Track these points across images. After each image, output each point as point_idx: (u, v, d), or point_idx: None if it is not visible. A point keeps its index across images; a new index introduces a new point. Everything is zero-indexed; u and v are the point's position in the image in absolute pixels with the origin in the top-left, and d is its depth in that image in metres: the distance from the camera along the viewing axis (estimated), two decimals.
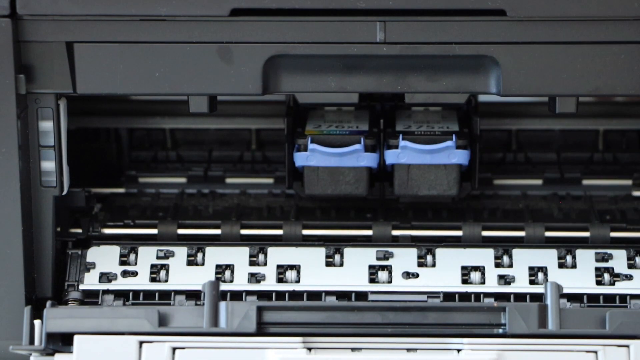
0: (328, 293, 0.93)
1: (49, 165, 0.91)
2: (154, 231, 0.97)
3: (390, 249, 0.96)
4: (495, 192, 1.02)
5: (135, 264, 0.95)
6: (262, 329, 0.86)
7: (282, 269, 0.95)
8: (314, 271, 0.94)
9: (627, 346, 0.84)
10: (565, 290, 0.88)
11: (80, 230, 0.97)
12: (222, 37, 0.88)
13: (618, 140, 1.05)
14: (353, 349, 0.86)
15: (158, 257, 0.95)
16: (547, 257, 0.95)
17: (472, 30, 0.87)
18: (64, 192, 0.93)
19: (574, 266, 0.94)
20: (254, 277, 0.94)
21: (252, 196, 1.01)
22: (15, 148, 0.89)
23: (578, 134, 1.04)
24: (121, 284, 0.94)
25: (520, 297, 0.93)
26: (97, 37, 0.88)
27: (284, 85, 0.90)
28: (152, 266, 0.95)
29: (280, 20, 0.87)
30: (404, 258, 0.95)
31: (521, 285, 0.93)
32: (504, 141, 1.04)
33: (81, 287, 0.94)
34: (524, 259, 0.95)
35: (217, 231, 0.97)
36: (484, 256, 0.95)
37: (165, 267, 0.95)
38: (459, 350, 0.85)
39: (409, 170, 0.94)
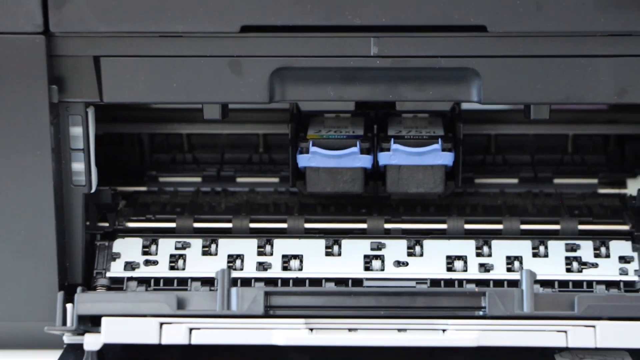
0: (327, 279, 0.92)
1: (78, 166, 0.91)
2: (173, 225, 0.96)
3: (382, 241, 0.95)
4: (476, 190, 1.01)
5: (156, 254, 0.94)
6: (269, 312, 0.86)
7: (286, 258, 0.94)
8: (315, 260, 0.94)
9: (594, 326, 0.83)
10: (538, 277, 0.89)
11: (107, 224, 0.96)
12: (232, 52, 0.87)
13: (585, 143, 1.04)
14: (350, 330, 0.86)
15: (176, 248, 0.95)
16: (522, 248, 0.94)
17: (456, 44, 0.86)
18: (92, 190, 0.92)
19: (546, 255, 0.93)
20: (262, 266, 0.93)
21: (259, 194, 1.01)
22: (48, 151, 0.88)
23: (550, 138, 1.03)
24: (143, 272, 0.94)
25: (498, 283, 0.92)
26: (121, 51, 0.88)
27: (288, 95, 0.89)
28: (171, 256, 0.94)
29: (285, 36, 0.87)
30: (395, 248, 0.94)
31: (499, 272, 0.93)
32: (484, 144, 1.04)
33: (108, 274, 0.93)
34: (501, 249, 0.94)
35: (229, 225, 0.96)
36: (466, 247, 0.94)
37: (183, 256, 0.94)
38: (444, 330, 0.85)
39: (399, 171, 0.93)
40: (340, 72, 0.88)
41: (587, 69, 0.86)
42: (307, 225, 0.96)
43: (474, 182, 1.01)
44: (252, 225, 0.96)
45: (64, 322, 0.87)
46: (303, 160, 0.93)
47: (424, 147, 0.92)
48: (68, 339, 0.88)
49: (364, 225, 0.96)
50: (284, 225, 0.96)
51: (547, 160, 1.03)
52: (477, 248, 0.94)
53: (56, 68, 0.88)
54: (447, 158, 0.92)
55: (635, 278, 0.92)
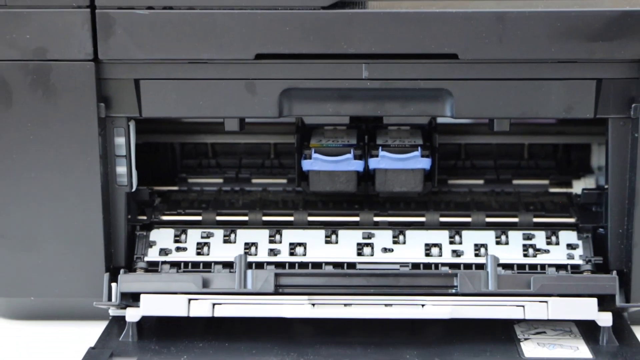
0: (327, 263, 0.93)
1: (122, 169, 0.91)
2: (199, 218, 0.97)
3: (372, 231, 0.96)
4: (449, 189, 1.02)
5: (185, 242, 0.95)
6: (278, 290, 0.86)
7: (293, 246, 0.94)
8: (316, 247, 0.94)
9: (546, 302, 0.84)
10: (500, 261, 0.89)
11: (145, 217, 0.96)
12: (248, 75, 0.88)
13: (538, 151, 1.04)
14: (345, 305, 0.86)
15: (202, 237, 0.95)
16: (487, 237, 0.95)
17: (433, 69, 0.87)
18: (133, 190, 0.93)
19: (506, 243, 0.94)
20: (272, 252, 0.94)
21: (271, 192, 1.01)
22: (97, 157, 0.89)
23: (509, 147, 1.03)
24: (175, 257, 0.94)
25: (467, 266, 0.92)
26: (157, 75, 0.88)
27: (295, 111, 0.90)
28: (197, 244, 0.95)
29: (292, 62, 0.87)
30: (382, 237, 0.95)
31: (468, 257, 0.93)
32: (455, 152, 1.04)
33: (146, 259, 0.94)
34: (470, 238, 0.95)
35: (245, 218, 0.96)
36: (441, 236, 0.95)
37: (207, 244, 0.95)
38: (423, 305, 0.85)
39: (386, 173, 0.94)
40: (337, 92, 0.89)
41: (540, 89, 0.87)
42: (310, 219, 0.96)
43: (447, 182, 1.01)
44: (265, 218, 0.96)
45: (110, 298, 0.88)
46: (306, 165, 0.94)
47: (406, 154, 0.93)
48: (113, 312, 0.88)
49: (356, 218, 0.96)
50: (290, 219, 0.96)
51: (507, 165, 1.03)
52: (450, 237, 0.94)
53: (104, 89, 0.88)
54: (425, 163, 0.93)
55: (580, 262, 0.92)
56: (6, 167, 0.89)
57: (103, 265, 0.91)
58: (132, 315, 0.86)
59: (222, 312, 0.85)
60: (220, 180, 1.02)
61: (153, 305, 0.86)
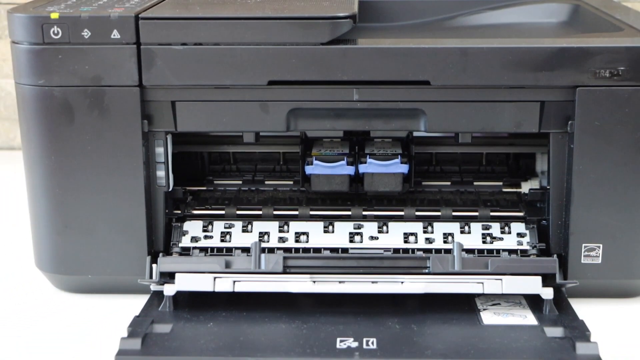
0: (325, 248, 0.92)
1: (161, 173, 0.91)
2: (223, 212, 0.96)
3: (361, 223, 0.95)
4: (423, 189, 1.00)
5: (212, 231, 0.94)
6: (286, 270, 0.86)
7: (298, 235, 0.94)
8: (317, 235, 0.94)
9: (501, 279, 0.84)
10: (464, 247, 0.90)
11: (179, 212, 0.95)
12: (262, 97, 0.87)
13: (494, 159, 1.03)
14: (340, 282, 0.86)
15: (225, 228, 0.95)
16: (454, 228, 0.94)
17: (410, 93, 0.87)
18: (170, 189, 0.92)
19: (469, 232, 0.93)
20: (281, 239, 0.93)
21: (280, 191, 1.00)
22: (141, 163, 0.89)
23: (471, 155, 1.02)
24: (203, 243, 0.93)
25: (438, 251, 0.92)
26: (189, 98, 0.88)
27: (299, 126, 0.89)
28: (221, 233, 0.94)
29: (297, 87, 0.87)
30: (370, 228, 0.95)
31: (439, 244, 0.93)
32: (428, 159, 1.03)
33: (180, 245, 0.93)
34: (440, 228, 0.94)
35: (260, 212, 0.96)
36: (416, 227, 0.94)
37: (229, 233, 0.94)
38: (402, 282, 0.85)
39: (372, 176, 0.94)
40: (333, 111, 0.88)
41: (496, 109, 0.87)
42: (312, 212, 0.95)
43: (421, 184, 1.00)
44: (275, 212, 0.95)
45: (151, 277, 0.88)
46: (309, 169, 0.93)
47: (388, 161, 0.93)
48: (154, 287, 0.88)
49: (349, 212, 0.95)
50: (296, 212, 0.95)
51: (469, 170, 1.02)
52: (423, 228, 0.94)
53: (147, 109, 0.88)
54: (404, 168, 0.93)
55: (528, 247, 0.92)
56: (69, 171, 0.89)
57: (145, 250, 0.90)
58: (169, 290, 0.86)
59: (240, 287, 0.84)
60: (240, 182, 1.01)
61: (186, 282, 0.85)
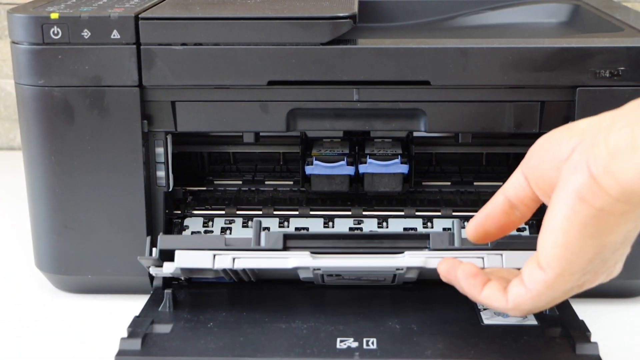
0: (326, 234, 0.89)
1: (161, 173, 0.91)
2: (223, 212, 0.96)
3: (362, 219, 0.95)
4: (423, 189, 1.00)
5: (212, 227, 0.95)
6: (286, 248, 0.84)
7: (298, 229, 0.94)
8: (317, 230, 0.94)
9: (501, 254, 0.82)
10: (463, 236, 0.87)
11: (179, 212, 0.96)
12: (262, 97, 0.87)
13: (494, 159, 1.03)
14: (339, 257, 0.84)
15: (225, 224, 0.95)
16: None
17: (410, 93, 0.87)
18: (170, 189, 0.92)
19: None
20: None
21: (280, 192, 1.00)
22: (141, 164, 0.89)
23: (471, 155, 1.02)
24: None
25: None
26: (189, 98, 0.88)
27: (299, 126, 0.89)
28: (222, 228, 0.94)
29: (297, 87, 0.87)
30: (370, 223, 0.95)
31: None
32: (428, 159, 1.02)
33: None
34: (439, 224, 0.94)
35: (260, 212, 0.96)
36: (416, 222, 0.95)
37: (229, 228, 0.94)
38: (403, 255, 0.83)
39: (372, 177, 0.94)
40: (333, 111, 0.88)
41: (496, 109, 0.87)
42: (312, 212, 0.95)
43: (421, 184, 1.00)
44: (275, 212, 0.95)
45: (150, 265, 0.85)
46: (309, 170, 0.93)
47: (388, 161, 0.93)
48: (153, 270, 0.85)
49: (349, 212, 0.96)
50: (296, 212, 0.95)
51: (469, 170, 1.02)
52: (423, 224, 0.94)
53: (146, 109, 0.88)
54: (404, 168, 0.93)
55: (525, 227, 0.93)
56: (69, 171, 0.89)
57: (146, 250, 0.89)
58: (168, 267, 0.83)
59: (240, 264, 0.82)
60: (240, 182, 1.01)
61: (185, 259, 0.83)
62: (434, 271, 0.81)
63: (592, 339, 0.79)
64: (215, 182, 1.01)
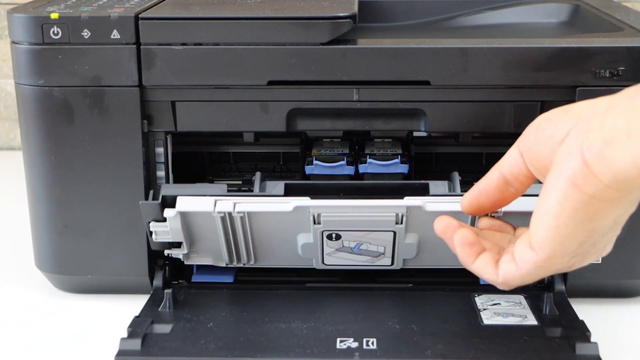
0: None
1: (161, 173, 0.91)
2: None
3: None
4: None
5: None
6: (287, 194, 0.84)
7: None
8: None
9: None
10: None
11: None
12: (262, 97, 0.87)
13: (494, 159, 0.98)
14: (339, 198, 0.84)
15: None
16: None
17: (410, 93, 0.87)
18: None
19: None
20: None
21: None
22: (141, 164, 0.89)
23: (470, 155, 1.02)
24: None
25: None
26: (189, 98, 0.88)
27: (299, 126, 0.89)
28: None
29: (297, 87, 0.87)
30: None
31: None
32: (428, 159, 1.02)
33: None
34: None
35: None
36: None
37: None
38: (403, 197, 0.83)
39: (372, 177, 0.93)
40: (333, 111, 0.88)
41: (496, 109, 0.87)
42: None
43: None
44: None
45: (152, 217, 0.85)
46: (309, 170, 0.93)
47: (388, 161, 0.93)
48: (153, 226, 0.84)
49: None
50: None
51: (469, 169, 1.01)
52: None
53: (146, 109, 0.88)
54: (404, 168, 0.93)
55: None
56: (69, 172, 0.89)
57: (146, 251, 0.90)
58: (170, 212, 0.83)
59: (241, 208, 0.82)
60: (240, 182, 1.00)
61: (187, 204, 0.83)
62: (432, 227, 0.79)
63: (592, 339, 0.79)
64: (215, 181, 1.00)
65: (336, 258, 0.87)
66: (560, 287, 0.89)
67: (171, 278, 0.92)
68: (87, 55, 0.85)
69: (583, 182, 0.66)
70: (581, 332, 0.80)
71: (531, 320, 0.83)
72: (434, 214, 0.81)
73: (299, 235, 0.84)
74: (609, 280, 0.89)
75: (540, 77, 0.85)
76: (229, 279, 0.92)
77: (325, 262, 0.87)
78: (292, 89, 0.86)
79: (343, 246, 0.86)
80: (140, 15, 0.85)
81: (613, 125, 0.64)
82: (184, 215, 0.83)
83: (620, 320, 0.88)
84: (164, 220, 0.84)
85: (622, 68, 0.84)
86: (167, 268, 0.91)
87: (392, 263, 0.87)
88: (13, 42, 0.87)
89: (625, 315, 0.89)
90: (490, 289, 0.89)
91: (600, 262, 0.88)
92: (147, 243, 0.89)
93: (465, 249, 0.76)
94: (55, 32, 0.85)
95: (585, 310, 0.86)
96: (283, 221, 0.84)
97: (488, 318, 0.83)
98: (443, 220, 0.78)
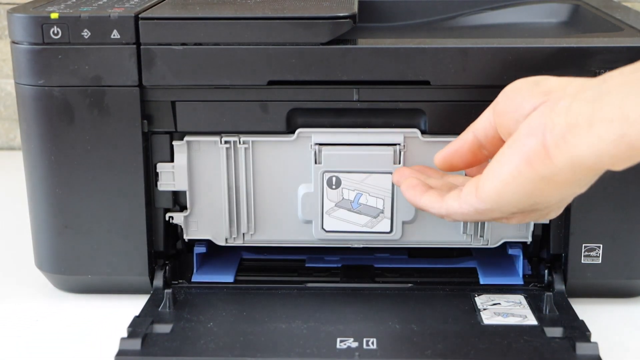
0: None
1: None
2: None
3: None
4: None
5: None
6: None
7: None
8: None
9: None
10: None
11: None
12: (262, 97, 0.87)
13: None
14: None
15: None
16: None
17: (409, 93, 0.87)
18: None
19: None
20: None
21: None
22: (141, 163, 0.88)
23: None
24: None
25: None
26: (189, 98, 0.88)
27: (299, 126, 0.89)
28: None
29: (297, 87, 0.87)
30: None
31: None
32: None
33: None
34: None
35: None
36: None
37: None
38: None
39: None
40: (333, 111, 0.88)
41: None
42: None
43: None
44: None
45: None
46: None
47: None
48: (160, 167, 0.88)
49: None
50: None
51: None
52: None
53: (146, 109, 0.88)
54: None
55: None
56: (69, 171, 0.88)
57: (145, 250, 0.90)
58: (179, 143, 0.88)
59: (246, 138, 0.87)
60: None
61: (194, 137, 0.87)
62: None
63: (592, 339, 0.79)
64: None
65: (336, 220, 0.86)
66: (560, 287, 0.89)
67: (171, 278, 0.92)
68: (87, 55, 0.85)
69: (538, 163, 0.68)
70: (581, 332, 0.80)
71: (531, 320, 0.83)
72: (431, 151, 0.83)
73: (300, 186, 0.84)
74: (609, 280, 0.89)
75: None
76: (229, 279, 0.92)
77: (325, 227, 0.86)
78: (292, 89, 0.86)
79: (343, 198, 0.85)
80: (140, 15, 0.85)
81: (578, 111, 0.65)
82: (190, 152, 0.84)
83: (620, 320, 0.88)
84: (171, 159, 0.86)
85: None
86: (167, 268, 0.91)
87: (392, 229, 0.87)
88: (13, 42, 0.87)
89: (625, 315, 0.89)
90: (491, 289, 0.89)
91: (600, 262, 0.88)
92: (147, 243, 0.89)
93: (410, 191, 0.80)
94: (55, 32, 0.85)
95: (585, 310, 0.86)
96: (285, 162, 0.85)
97: (488, 318, 0.83)
98: (398, 173, 0.83)
